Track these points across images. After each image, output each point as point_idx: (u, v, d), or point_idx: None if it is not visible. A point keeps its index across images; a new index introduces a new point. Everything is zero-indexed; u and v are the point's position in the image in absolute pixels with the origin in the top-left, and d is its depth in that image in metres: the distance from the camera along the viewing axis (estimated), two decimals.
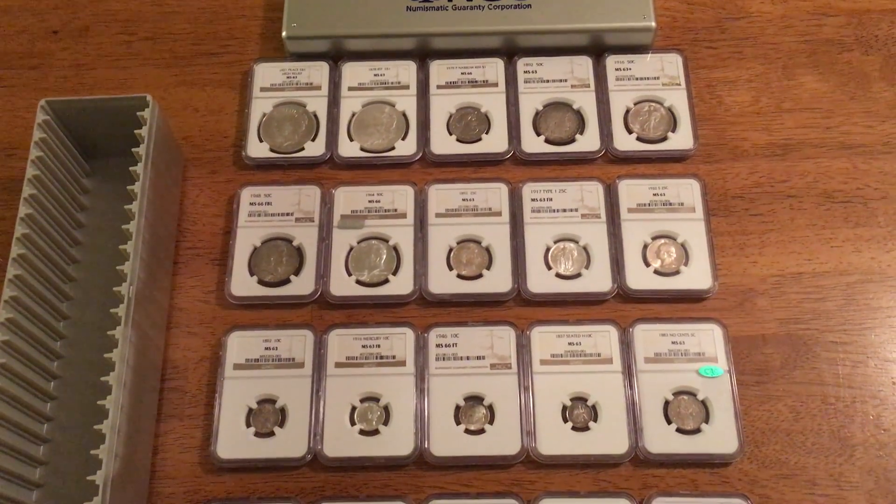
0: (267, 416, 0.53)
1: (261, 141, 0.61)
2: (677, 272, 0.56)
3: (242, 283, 0.57)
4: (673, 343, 0.54)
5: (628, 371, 0.53)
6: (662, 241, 0.57)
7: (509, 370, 0.54)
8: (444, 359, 0.54)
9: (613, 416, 0.52)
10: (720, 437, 0.52)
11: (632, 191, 0.59)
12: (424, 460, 0.52)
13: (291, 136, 0.61)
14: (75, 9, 0.67)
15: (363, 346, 0.55)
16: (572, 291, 0.56)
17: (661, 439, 0.52)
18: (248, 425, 0.53)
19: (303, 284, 0.57)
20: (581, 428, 0.52)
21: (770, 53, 0.64)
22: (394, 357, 0.54)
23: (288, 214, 0.59)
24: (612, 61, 0.63)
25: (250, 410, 0.53)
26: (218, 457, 0.52)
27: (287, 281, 0.57)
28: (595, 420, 0.52)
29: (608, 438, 0.52)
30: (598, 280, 0.56)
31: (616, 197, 0.58)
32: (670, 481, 0.51)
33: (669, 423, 0.52)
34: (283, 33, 0.63)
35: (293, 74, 0.64)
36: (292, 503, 0.51)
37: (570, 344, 0.54)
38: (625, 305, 0.56)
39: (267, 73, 0.64)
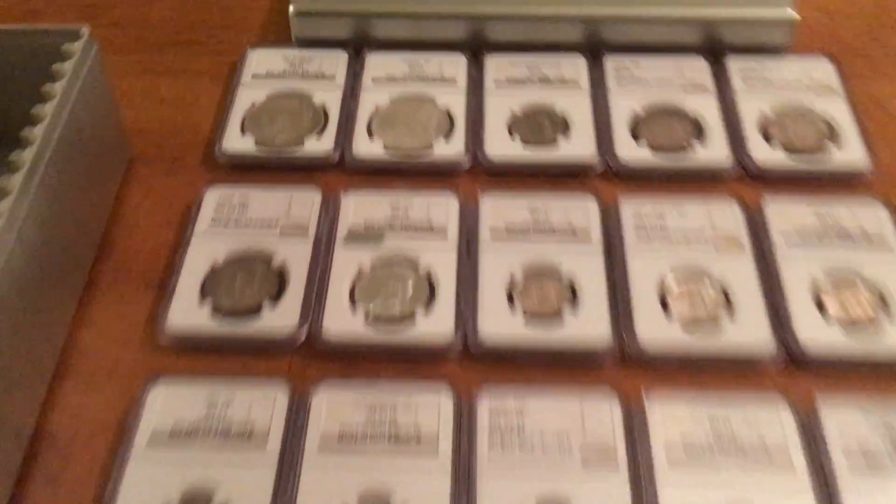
0: None
1: (244, 133, 0.43)
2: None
3: (187, 313, 0.36)
4: None
5: None
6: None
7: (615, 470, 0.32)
8: (501, 447, 0.32)
9: None
10: None
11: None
12: None
13: (287, 129, 0.43)
14: None
15: (368, 418, 0.33)
16: (701, 353, 0.35)
17: None
18: None
19: (280, 318, 0.36)
20: None
21: None
22: (419, 438, 0.33)
23: (270, 225, 0.39)
24: (736, 66, 0.46)
25: None
26: None
27: (257, 310, 0.36)
28: None
29: None
30: (743, 331, 0.35)
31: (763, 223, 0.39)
32: None
33: None
34: (290, 9, 0.47)
35: (298, 62, 0.47)
36: None
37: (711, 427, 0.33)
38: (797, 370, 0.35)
39: (263, 59, 0.47)
